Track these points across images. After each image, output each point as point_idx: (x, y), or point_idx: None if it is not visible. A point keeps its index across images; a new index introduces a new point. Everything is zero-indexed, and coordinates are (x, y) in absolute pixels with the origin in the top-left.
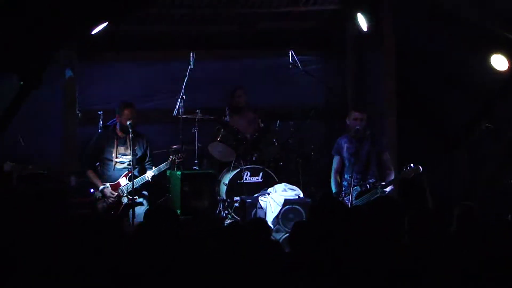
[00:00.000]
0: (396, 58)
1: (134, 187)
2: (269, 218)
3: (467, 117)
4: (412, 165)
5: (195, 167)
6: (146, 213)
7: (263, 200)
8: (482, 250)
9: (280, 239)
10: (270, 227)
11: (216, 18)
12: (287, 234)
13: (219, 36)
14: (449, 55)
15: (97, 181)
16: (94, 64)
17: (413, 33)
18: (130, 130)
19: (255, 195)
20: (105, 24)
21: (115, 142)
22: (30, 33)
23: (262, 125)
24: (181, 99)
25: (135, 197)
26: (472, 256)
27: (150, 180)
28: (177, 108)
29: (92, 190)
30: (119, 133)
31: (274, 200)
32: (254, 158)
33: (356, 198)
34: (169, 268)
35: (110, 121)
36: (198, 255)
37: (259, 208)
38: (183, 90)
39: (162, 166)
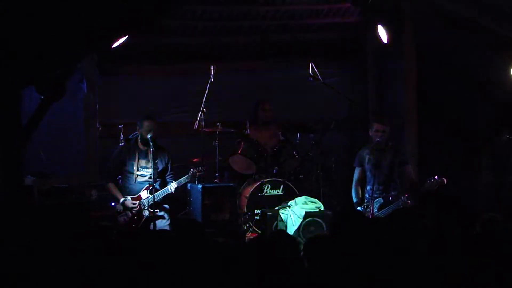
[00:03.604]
0: (417, 68)
1: (156, 200)
2: (290, 231)
3: (490, 126)
4: (436, 177)
5: (216, 180)
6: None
7: (284, 213)
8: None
9: (301, 251)
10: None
11: (236, 31)
12: None
13: (239, 48)
14: (471, 64)
15: (118, 194)
16: (115, 77)
17: (434, 42)
18: (151, 144)
19: (276, 208)
20: (125, 37)
21: (136, 155)
22: (50, 46)
23: (283, 138)
24: (201, 112)
25: (156, 210)
26: (493, 265)
27: (173, 192)
28: (197, 121)
29: (113, 203)
30: (141, 146)
31: (295, 212)
32: (274, 171)
33: (378, 210)
34: (194, 278)
35: (132, 134)
36: (223, 267)
37: (279, 221)
38: (203, 103)
39: (183, 180)
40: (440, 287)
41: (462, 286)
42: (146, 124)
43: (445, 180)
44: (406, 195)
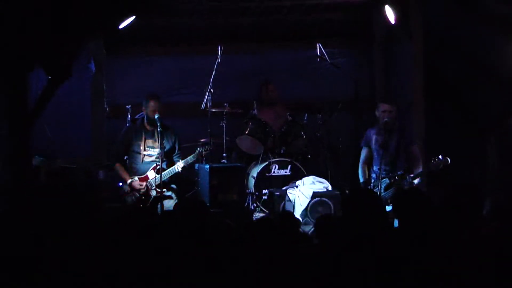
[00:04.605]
0: (424, 49)
1: (163, 180)
2: (298, 211)
3: (498, 107)
4: (440, 157)
5: (223, 160)
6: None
7: (291, 193)
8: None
9: (309, 231)
10: (297, 219)
11: (243, 11)
12: None
13: (246, 29)
14: (479, 44)
15: (125, 174)
16: (122, 58)
17: (442, 22)
18: (159, 124)
19: (284, 188)
20: (133, 18)
21: (143, 135)
22: (58, 27)
23: (290, 118)
24: (209, 92)
25: (163, 190)
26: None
27: (180, 171)
28: (205, 101)
29: (120, 184)
30: (147, 126)
31: (303, 192)
32: (282, 151)
33: (385, 190)
34: (198, 259)
35: (138, 115)
36: (228, 247)
37: (287, 201)
38: (211, 83)
39: (190, 159)
40: (447, 269)
41: (470, 267)
42: (151, 104)
43: (449, 160)
44: (412, 175)
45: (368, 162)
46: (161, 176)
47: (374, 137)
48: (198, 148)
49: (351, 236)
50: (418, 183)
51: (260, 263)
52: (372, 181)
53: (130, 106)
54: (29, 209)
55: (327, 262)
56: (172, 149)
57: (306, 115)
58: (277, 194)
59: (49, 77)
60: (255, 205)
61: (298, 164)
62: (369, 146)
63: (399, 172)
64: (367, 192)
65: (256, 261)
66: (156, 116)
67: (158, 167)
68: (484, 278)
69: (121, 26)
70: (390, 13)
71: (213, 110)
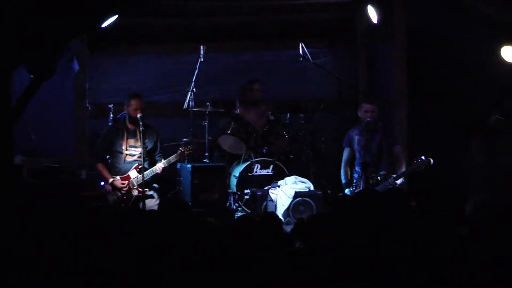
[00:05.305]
0: (408, 48)
1: (145, 179)
2: (280, 211)
3: (481, 106)
4: (423, 157)
5: (205, 160)
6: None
7: (273, 193)
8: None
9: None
10: (280, 220)
11: (226, 11)
12: None
13: (229, 28)
14: (462, 44)
15: (106, 174)
16: (105, 57)
17: (426, 22)
18: (141, 123)
19: (266, 188)
20: (116, 17)
21: (125, 135)
22: (40, 25)
23: (272, 117)
24: (191, 92)
25: (145, 189)
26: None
27: (160, 172)
28: (187, 101)
29: (102, 183)
30: (129, 126)
31: (285, 192)
32: (264, 150)
33: None
34: (179, 259)
35: (120, 114)
36: (209, 247)
37: (269, 200)
38: (193, 83)
39: (172, 158)
40: (432, 268)
41: (454, 265)
42: (133, 103)
43: (431, 160)
44: (394, 176)
45: (350, 163)
46: (143, 176)
47: (356, 138)
48: (180, 148)
49: (343, 237)
50: (401, 183)
51: (245, 263)
52: (354, 181)
53: (112, 105)
54: (12, 208)
55: (317, 264)
56: (154, 148)
57: (288, 114)
58: (259, 194)
59: (32, 76)
60: (237, 204)
61: (280, 164)
62: (351, 147)
63: (381, 173)
64: (365, 192)
65: (242, 262)
66: (138, 116)
67: (140, 166)
68: (481, 280)
69: (104, 25)
70: (372, 13)
71: (196, 109)
